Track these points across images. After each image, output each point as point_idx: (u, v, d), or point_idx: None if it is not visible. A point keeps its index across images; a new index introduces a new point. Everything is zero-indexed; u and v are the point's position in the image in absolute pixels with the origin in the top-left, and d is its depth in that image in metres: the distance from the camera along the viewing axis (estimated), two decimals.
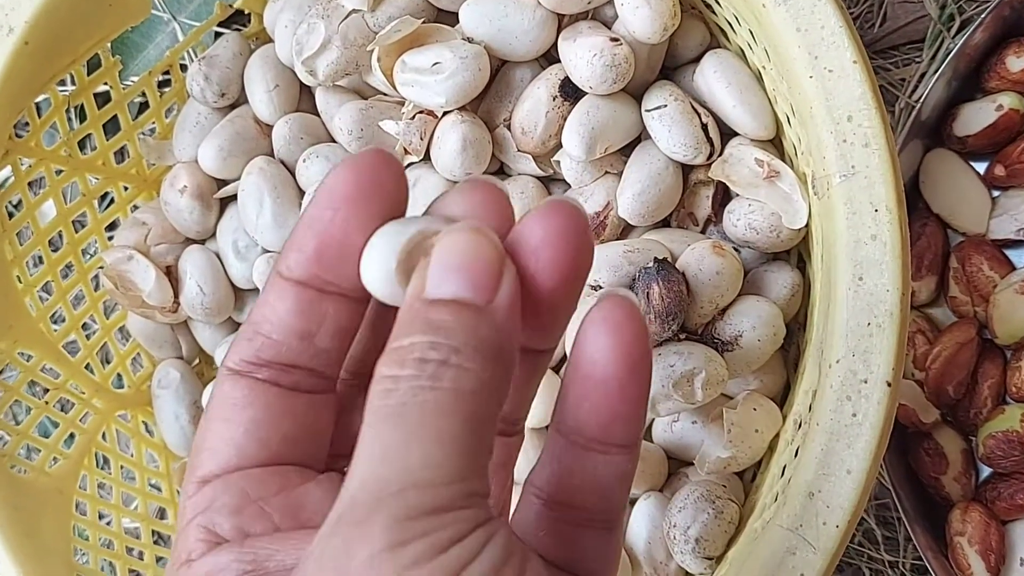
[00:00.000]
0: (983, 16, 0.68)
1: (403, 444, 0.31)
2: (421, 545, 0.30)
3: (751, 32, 0.55)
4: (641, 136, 0.61)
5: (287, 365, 0.36)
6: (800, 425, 0.52)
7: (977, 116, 0.69)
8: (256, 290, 0.68)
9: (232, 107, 0.70)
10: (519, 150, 0.62)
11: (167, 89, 0.74)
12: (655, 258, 0.56)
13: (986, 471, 0.71)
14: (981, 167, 0.72)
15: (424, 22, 0.61)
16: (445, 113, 0.61)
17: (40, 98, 0.65)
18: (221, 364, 0.37)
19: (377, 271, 0.34)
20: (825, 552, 0.47)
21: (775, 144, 0.59)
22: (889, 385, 0.48)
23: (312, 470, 0.37)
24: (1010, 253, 0.71)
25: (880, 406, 0.48)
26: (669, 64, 0.63)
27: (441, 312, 0.32)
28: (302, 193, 0.65)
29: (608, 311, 0.35)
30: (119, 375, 0.75)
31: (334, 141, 0.66)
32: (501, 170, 0.65)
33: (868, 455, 0.48)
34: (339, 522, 0.31)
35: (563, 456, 0.37)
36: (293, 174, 0.66)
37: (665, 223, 0.62)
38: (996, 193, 0.72)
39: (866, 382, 0.48)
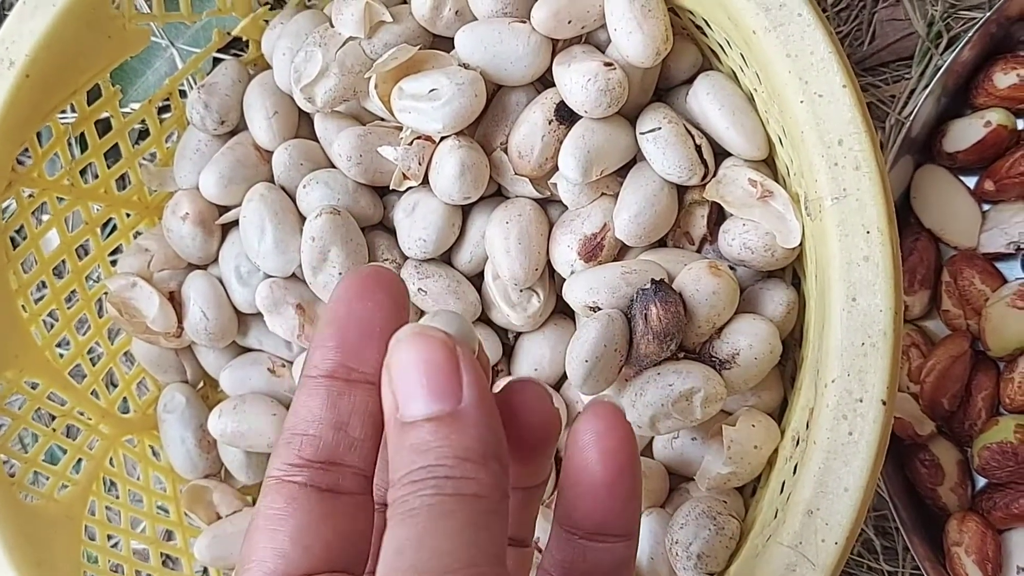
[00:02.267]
0: (970, 34, 0.69)
1: (415, 540, 0.33)
2: None
3: (742, 55, 0.56)
4: (636, 158, 0.62)
5: (325, 463, 0.37)
6: (798, 442, 0.52)
7: (966, 132, 0.70)
8: (259, 315, 0.68)
9: (232, 134, 0.70)
10: (516, 173, 0.62)
11: (167, 116, 0.74)
12: (652, 279, 0.56)
13: (982, 481, 0.72)
14: (971, 182, 0.73)
15: (420, 49, 0.61)
16: (443, 138, 0.62)
17: (41, 128, 0.65)
18: (266, 476, 0.38)
19: None
20: (824, 568, 0.48)
21: (768, 164, 0.60)
22: (884, 403, 0.48)
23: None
24: (1001, 266, 0.72)
25: (876, 424, 0.48)
26: (662, 86, 0.63)
27: (420, 433, 0.35)
28: (303, 219, 0.65)
29: (594, 420, 0.39)
30: (125, 400, 0.75)
31: (333, 167, 0.66)
32: (499, 192, 0.66)
33: (865, 473, 0.48)
34: None
35: (567, 546, 0.41)
36: (294, 200, 0.67)
37: (661, 243, 0.63)
38: (986, 207, 0.73)
39: (861, 401, 0.49)
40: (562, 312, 0.66)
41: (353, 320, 0.38)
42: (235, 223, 0.68)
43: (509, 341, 0.68)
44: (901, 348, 0.50)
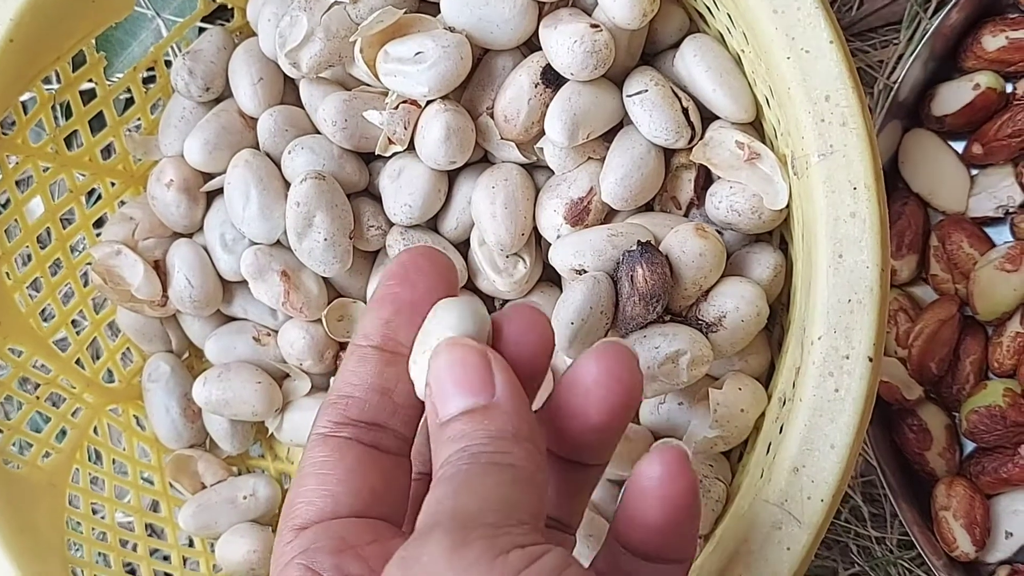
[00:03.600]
0: None
1: (453, 492, 0.36)
2: (481, 546, 0.34)
3: (729, 16, 0.56)
4: (623, 121, 0.62)
5: (369, 423, 0.41)
6: (784, 402, 0.52)
7: (954, 96, 0.70)
8: (244, 283, 0.68)
9: (217, 101, 0.70)
10: (502, 137, 0.62)
11: (152, 85, 0.74)
12: (638, 241, 0.56)
13: (970, 446, 0.72)
14: (959, 146, 0.72)
15: (406, 12, 0.61)
16: (428, 102, 0.61)
17: (26, 96, 0.65)
18: (311, 432, 0.41)
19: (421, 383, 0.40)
20: (811, 526, 0.48)
21: (755, 127, 0.60)
22: (871, 360, 0.48)
23: (398, 527, 0.41)
24: (989, 231, 0.72)
25: (862, 381, 0.48)
26: (649, 50, 0.63)
27: (457, 425, 0.38)
28: (288, 185, 0.65)
29: (659, 467, 0.41)
30: (109, 370, 0.75)
31: (319, 133, 0.66)
32: (485, 158, 0.65)
33: (851, 429, 0.48)
34: (405, 547, 0.35)
35: (619, 557, 0.43)
36: (279, 166, 0.66)
37: (648, 207, 0.63)
38: (974, 172, 0.72)
39: (848, 358, 0.49)
40: (549, 279, 0.66)
41: (406, 298, 0.41)
42: (220, 190, 0.68)
43: (496, 308, 0.67)
44: (888, 305, 0.50)
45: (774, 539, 0.49)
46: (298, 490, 0.40)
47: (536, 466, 0.38)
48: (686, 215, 0.62)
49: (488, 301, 0.67)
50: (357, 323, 0.68)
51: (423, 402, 0.41)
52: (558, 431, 0.42)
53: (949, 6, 0.68)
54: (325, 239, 0.63)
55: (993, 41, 0.69)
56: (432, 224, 0.66)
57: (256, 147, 0.68)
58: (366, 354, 0.41)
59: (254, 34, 0.69)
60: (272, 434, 0.72)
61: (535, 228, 0.64)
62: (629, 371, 0.41)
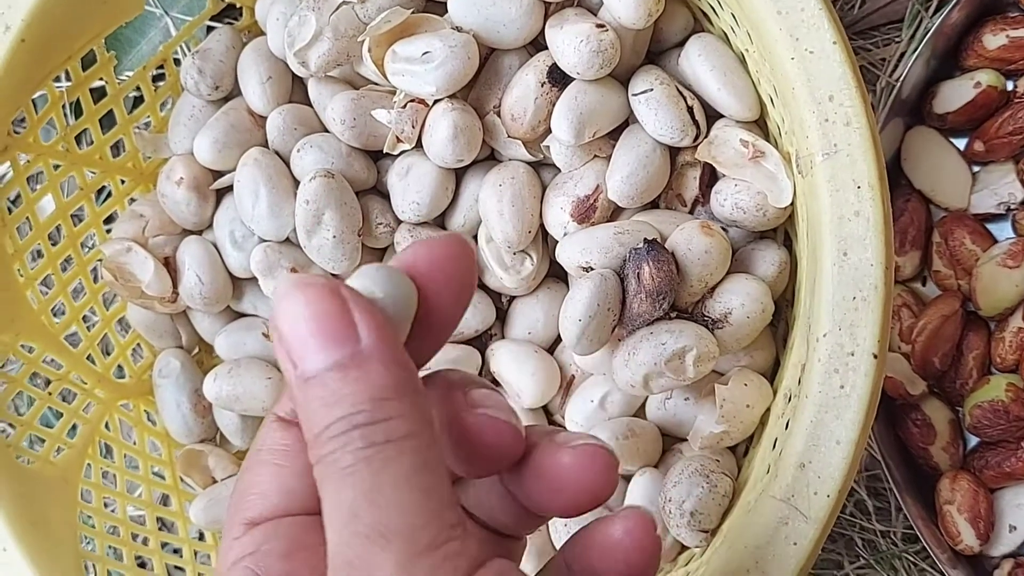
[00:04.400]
0: None
1: (366, 498, 0.32)
2: (438, 555, 0.32)
3: (733, 15, 0.56)
4: (628, 120, 0.62)
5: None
6: (790, 399, 0.53)
7: (956, 93, 0.71)
8: (253, 279, 0.69)
9: (226, 100, 0.70)
10: (509, 136, 0.63)
11: (161, 83, 0.75)
12: (645, 239, 0.57)
13: (973, 440, 0.72)
14: (961, 143, 0.73)
15: (413, 12, 0.61)
16: (436, 101, 0.62)
17: (37, 94, 0.65)
18: (269, 411, 0.38)
19: None
20: (817, 521, 0.49)
21: (760, 125, 0.60)
22: (875, 357, 0.49)
23: None
24: (991, 227, 0.72)
25: (867, 377, 0.49)
26: (654, 49, 0.64)
27: (326, 383, 0.33)
28: (297, 183, 0.65)
29: (624, 536, 0.39)
30: (120, 365, 0.76)
31: (327, 131, 0.67)
32: (492, 156, 0.66)
33: (857, 425, 0.49)
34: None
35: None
36: (288, 164, 0.67)
37: (654, 205, 0.63)
38: (976, 168, 0.73)
39: (853, 354, 0.49)
40: (555, 276, 0.67)
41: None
42: (229, 188, 0.68)
43: (503, 305, 0.68)
44: (892, 303, 0.50)
45: (781, 534, 0.49)
46: (252, 478, 0.37)
47: (428, 423, 0.34)
48: (691, 213, 0.63)
49: (495, 298, 0.68)
50: None
51: None
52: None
53: (951, 5, 0.69)
54: (334, 236, 0.64)
55: (994, 40, 0.70)
56: (440, 221, 0.67)
57: (265, 145, 0.68)
58: None
59: (263, 33, 0.69)
60: None
61: (542, 225, 0.64)
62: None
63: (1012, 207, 0.71)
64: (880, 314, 0.49)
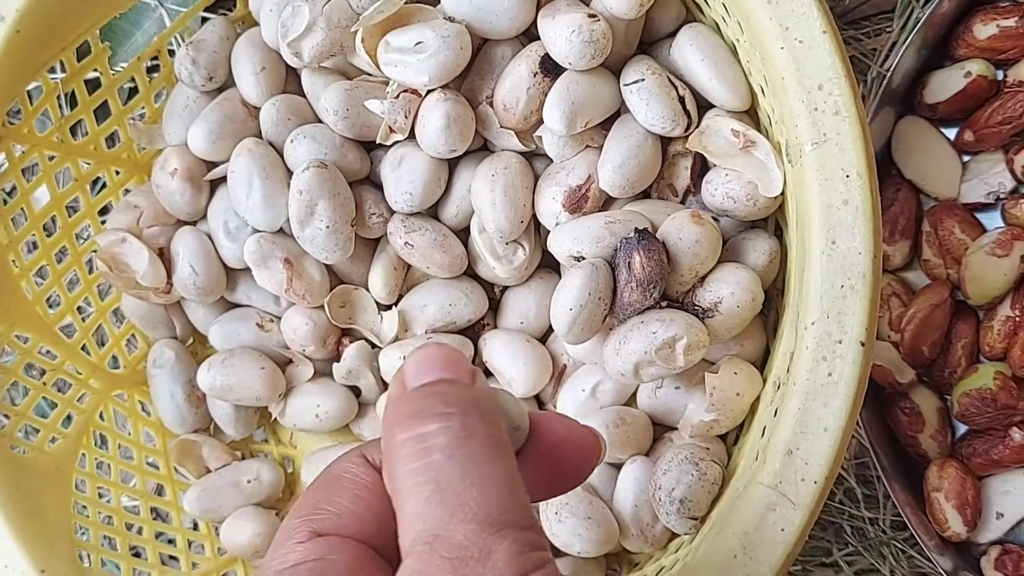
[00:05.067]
0: None
1: (457, 477, 0.34)
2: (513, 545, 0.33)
3: (724, 6, 0.56)
4: (620, 110, 0.62)
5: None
6: (779, 387, 0.53)
7: (946, 83, 0.71)
8: (247, 270, 0.69)
9: (220, 90, 0.71)
10: (502, 126, 0.63)
11: (156, 74, 0.75)
12: (636, 228, 0.57)
13: (962, 428, 0.73)
14: (951, 133, 0.73)
15: (406, 2, 0.61)
16: (429, 91, 0.62)
17: (31, 85, 0.66)
18: (359, 447, 0.40)
19: None
20: (804, 508, 0.49)
21: (751, 115, 0.61)
22: (863, 345, 0.49)
23: None
24: (981, 216, 0.73)
25: (855, 365, 0.49)
26: (646, 39, 0.64)
27: (433, 387, 0.36)
28: (290, 173, 0.65)
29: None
30: (115, 356, 0.76)
31: (321, 122, 0.67)
32: (485, 147, 0.66)
33: (844, 413, 0.49)
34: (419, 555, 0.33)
35: None
36: (281, 155, 0.67)
37: (645, 195, 0.64)
38: (966, 158, 0.73)
39: (840, 342, 0.49)
40: (548, 266, 0.67)
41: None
42: (223, 179, 0.69)
43: (496, 295, 0.69)
44: (880, 291, 0.50)
45: (769, 520, 0.49)
46: (328, 495, 0.38)
47: (505, 443, 0.36)
48: (683, 202, 0.63)
49: (488, 288, 0.68)
50: (359, 312, 0.69)
51: None
52: None
53: None
54: (327, 227, 0.64)
55: (984, 29, 0.70)
56: (433, 212, 0.67)
57: (259, 136, 0.68)
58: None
59: (256, 24, 0.69)
60: (275, 419, 0.73)
61: (534, 215, 0.64)
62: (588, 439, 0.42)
63: (1002, 196, 0.71)
64: (868, 302, 0.49)
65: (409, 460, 0.35)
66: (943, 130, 0.73)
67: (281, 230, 0.68)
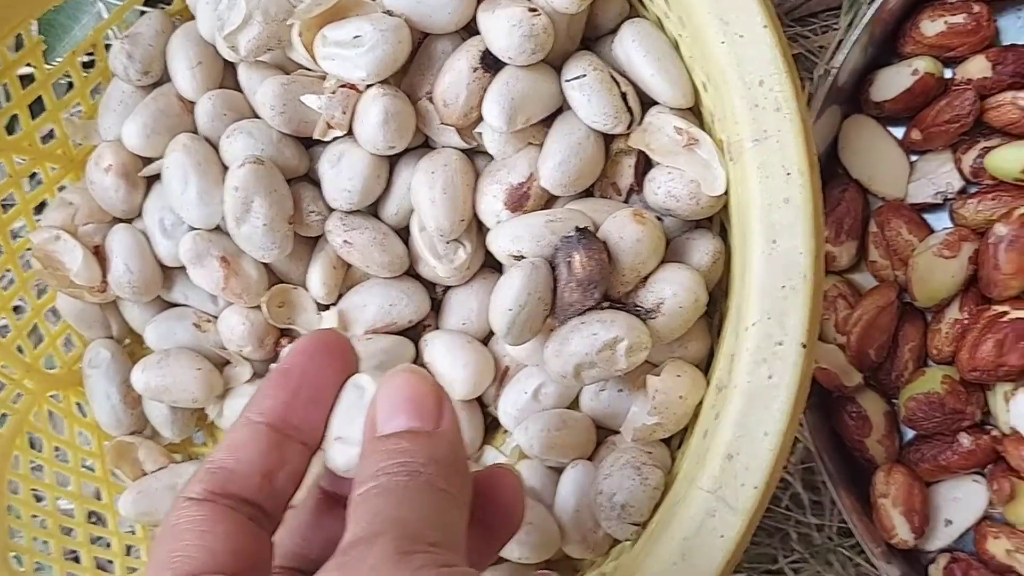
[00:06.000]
0: None
1: (394, 504, 0.36)
2: (424, 559, 0.34)
3: (666, 0, 0.55)
4: (563, 107, 0.61)
5: (245, 500, 0.40)
6: (720, 389, 0.52)
7: (894, 81, 0.70)
8: (184, 268, 0.67)
9: (156, 85, 0.69)
10: (442, 122, 0.62)
11: (92, 69, 0.73)
12: (576, 227, 0.56)
13: (910, 433, 0.72)
14: (899, 132, 0.73)
15: None
16: (368, 86, 0.61)
17: None
18: (179, 495, 0.40)
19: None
20: (744, 513, 0.48)
21: (694, 112, 0.60)
22: (804, 346, 0.48)
23: None
24: (928, 217, 0.72)
25: (795, 368, 0.48)
26: (589, 35, 0.63)
27: (398, 441, 0.38)
28: (226, 169, 0.64)
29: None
30: (50, 356, 0.74)
31: (258, 117, 0.65)
32: (426, 144, 0.65)
33: (785, 416, 0.48)
34: (345, 552, 0.35)
35: None
36: (217, 151, 0.66)
37: (589, 193, 0.63)
38: (914, 158, 0.73)
39: (781, 344, 0.48)
40: (491, 266, 0.66)
41: (308, 382, 0.42)
42: (159, 175, 0.67)
43: (438, 295, 0.68)
44: (822, 291, 0.50)
45: (708, 526, 0.48)
46: (174, 544, 0.38)
47: (466, 500, 0.39)
48: (626, 201, 0.62)
49: (430, 288, 0.67)
50: (298, 311, 0.67)
51: (295, 489, 0.41)
52: None
53: None
54: (264, 224, 0.63)
55: (932, 26, 0.70)
56: (372, 210, 0.66)
57: (195, 131, 0.67)
58: (258, 431, 0.41)
59: (194, 17, 0.68)
60: (213, 421, 0.71)
61: (475, 214, 0.63)
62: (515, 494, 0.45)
63: (949, 196, 0.71)
64: (809, 303, 0.49)
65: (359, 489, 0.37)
66: (891, 129, 0.73)
67: (218, 228, 0.66)
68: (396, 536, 0.34)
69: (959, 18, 0.69)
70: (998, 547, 0.68)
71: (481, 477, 0.43)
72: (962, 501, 0.70)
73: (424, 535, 0.35)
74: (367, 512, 0.36)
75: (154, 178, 0.69)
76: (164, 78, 0.69)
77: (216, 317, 0.70)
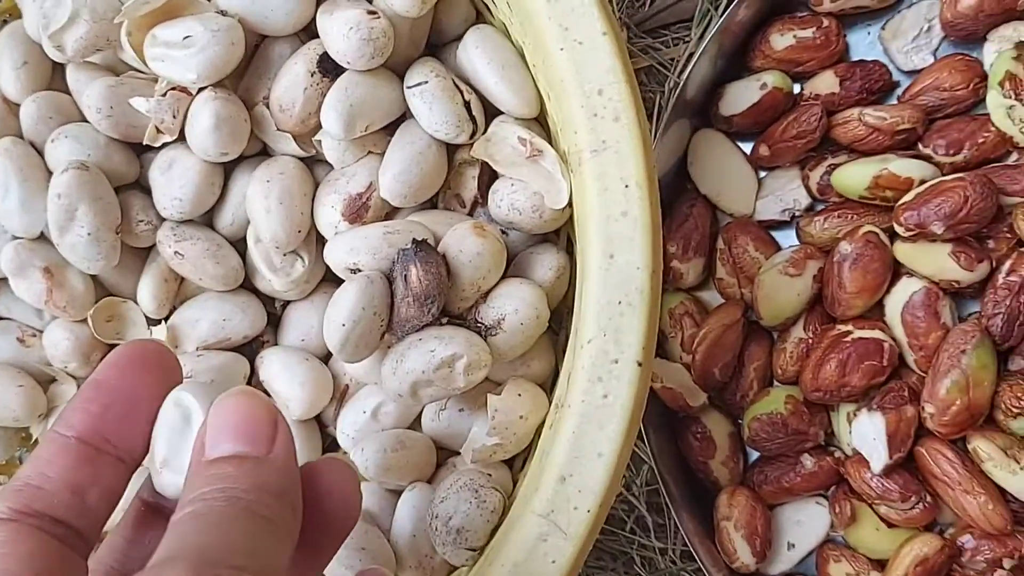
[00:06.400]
0: None
1: (201, 529, 0.35)
2: None
3: (509, 5, 0.54)
4: (405, 115, 0.60)
5: (54, 519, 0.37)
6: (559, 408, 0.51)
7: (742, 95, 0.70)
8: (5, 279, 0.64)
9: None
10: (279, 129, 0.59)
11: None
12: (413, 239, 0.54)
13: (754, 455, 0.71)
14: (748, 147, 0.73)
15: None
16: (200, 90, 0.58)
17: None
18: None
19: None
20: (576, 538, 0.47)
21: (540, 122, 0.58)
22: (640, 365, 0.47)
23: None
24: (776, 234, 0.72)
25: (631, 386, 0.47)
26: (435, 41, 0.61)
27: (223, 466, 0.37)
28: (50, 175, 0.61)
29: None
30: None
31: (86, 121, 0.63)
32: (264, 151, 0.63)
33: (619, 437, 0.47)
34: (142, 574, 0.33)
35: None
36: (43, 156, 0.63)
37: (432, 205, 0.61)
38: (763, 174, 0.72)
39: (617, 362, 0.47)
40: (332, 280, 0.64)
41: (121, 394, 0.40)
42: None
43: (277, 310, 0.65)
44: (659, 307, 0.49)
45: (540, 551, 0.47)
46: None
47: (290, 529, 0.37)
48: (471, 214, 0.61)
49: (268, 302, 0.65)
50: (127, 326, 0.65)
51: (114, 506, 0.40)
52: None
53: (736, 1, 0.68)
54: (89, 233, 0.60)
55: (781, 40, 0.70)
56: (207, 220, 0.63)
57: (19, 135, 0.64)
58: (67, 445, 0.39)
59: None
60: (38, 441, 0.68)
61: (314, 225, 0.61)
62: (350, 486, 0.42)
63: (797, 214, 0.71)
64: (646, 320, 0.47)
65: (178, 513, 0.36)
66: (740, 144, 0.72)
67: (42, 237, 0.63)
68: (194, 561, 0.33)
69: (808, 32, 0.69)
70: (839, 571, 0.68)
71: (313, 469, 0.41)
72: (805, 524, 0.70)
73: (226, 559, 0.33)
74: (175, 536, 0.35)
75: None
76: None
77: (41, 331, 0.66)
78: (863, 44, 0.72)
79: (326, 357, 0.64)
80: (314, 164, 0.62)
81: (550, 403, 0.57)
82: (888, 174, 0.66)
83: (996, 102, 0.67)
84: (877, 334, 0.67)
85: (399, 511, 0.59)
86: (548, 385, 0.59)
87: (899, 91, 0.71)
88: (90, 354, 0.65)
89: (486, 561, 0.49)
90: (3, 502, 0.37)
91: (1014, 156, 0.68)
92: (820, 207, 0.71)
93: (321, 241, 0.62)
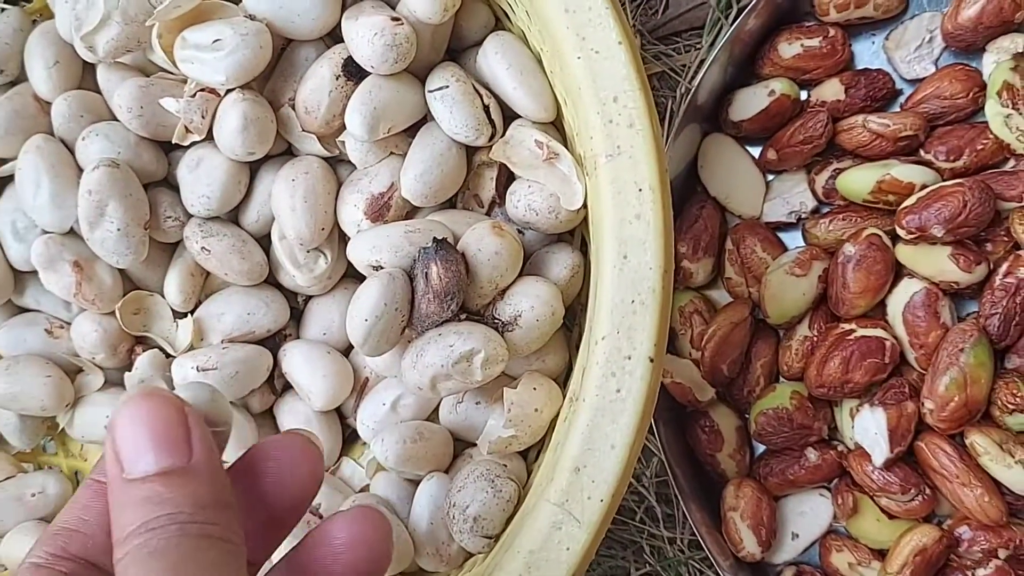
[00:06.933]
0: (757, 2, 0.70)
1: (169, 569, 0.34)
2: None
3: (528, 14, 0.56)
4: (426, 117, 0.61)
5: (89, 562, 0.38)
6: (573, 402, 0.52)
7: (751, 101, 0.71)
8: (35, 272, 0.66)
9: (12, 84, 0.67)
10: (304, 130, 0.61)
11: None
12: (434, 238, 0.56)
13: (761, 448, 0.73)
14: (757, 151, 0.74)
15: None
16: (228, 91, 0.60)
17: None
18: (26, 561, 0.38)
19: None
20: (590, 526, 0.48)
21: (556, 126, 0.60)
22: (651, 360, 0.49)
23: None
24: (783, 236, 0.73)
25: (643, 382, 0.49)
26: (456, 46, 0.63)
27: (153, 486, 0.36)
28: (81, 172, 0.63)
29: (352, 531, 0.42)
30: None
31: (116, 120, 0.64)
32: (289, 151, 0.65)
33: (632, 430, 0.49)
34: None
35: None
36: (73, 153, 0.64)
37: (451, 205, 0.63)
38: (770, 177, 0.74)
39: (630, 358, 0.49)
40: (354, 276, 0.65)
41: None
42: (12, 177, 0.66)
43: (299, 305, 0.67)
44: (670, 307, 0.50)
45: (554, 539, 0.49)
46: None
47: (240, 537, 0.37)
48: (488, 213, 0.62)
49: (290, 297, 0.66)
50: (154, 319, 0.66)
51: None
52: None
53: (745, 11, 0.69)
54: (118, 229, 0.61)
55: (789, 48, 0.71)
56: (232, 216, 0.65)
57: (50, 133, 0.65)
58: (103, 490, 0.38)
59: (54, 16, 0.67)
60: (64, 430, 0.69)
61: (337, 223, 0.63)
62: (381, 538, 0.42)
63: (803, 216, 0.72)
64: (657, 318, 0.49)
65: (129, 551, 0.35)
66: (749, 148, 0.74)
67: (72, 231, 0.65)
68: None
69: (815, 41, 0.71)
70: (841, 560, 0.70)
71: (266, 451, 0.41)
72: (808, 515, 0.71)
73: None
74: None
75: (7, 180, 0.67)
76: (21, 77, 0.67)
77: (69, 323, 0.68)
78: (867, 53, 0.74)
79: (347, 350, 0.66)
80: (337, 164, 0.64)
81: (564, 397, 0.58)
82: (891, 179, 0.68)
83: (994, 111, 0.69)
84: (879, 333, 0.68)
85: (417, 500, 0.60)
86: (562, 380, 0.61)
87: (902, 99, 0.73)
88: (117, 345, 0.66)
89: (502, 548, 0.51)
90: (42, 547, 0.38)
91: (1011, 163, 0.70)
92: (825, 210, 0.73)
93: (343, 239, 0.64)
